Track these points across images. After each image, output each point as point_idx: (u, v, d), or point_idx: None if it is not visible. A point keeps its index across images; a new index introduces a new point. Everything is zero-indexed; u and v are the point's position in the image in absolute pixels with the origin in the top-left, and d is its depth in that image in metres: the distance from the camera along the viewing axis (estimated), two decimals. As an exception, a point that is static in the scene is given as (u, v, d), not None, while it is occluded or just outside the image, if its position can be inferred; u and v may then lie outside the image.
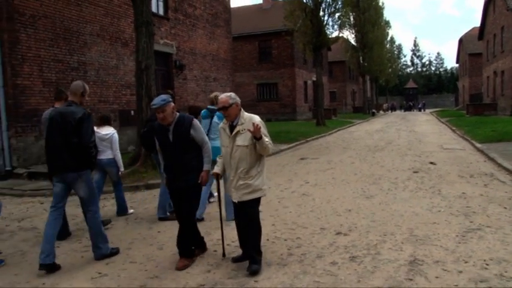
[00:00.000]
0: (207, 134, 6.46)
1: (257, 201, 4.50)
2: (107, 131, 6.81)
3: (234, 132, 4.36)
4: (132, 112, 14.84)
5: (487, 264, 4.30)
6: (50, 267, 4.58)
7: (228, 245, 5.07)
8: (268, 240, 5.36)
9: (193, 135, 4.68)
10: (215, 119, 6.59)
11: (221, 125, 4.60)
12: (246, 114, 4.46)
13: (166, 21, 18.02)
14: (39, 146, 11.70)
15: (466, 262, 4.38)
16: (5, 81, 11.46)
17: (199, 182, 4.68)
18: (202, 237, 5.09)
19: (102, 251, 4.98)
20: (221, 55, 22.42)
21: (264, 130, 4.31)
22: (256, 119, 4.38)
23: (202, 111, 6.88)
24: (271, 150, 4.38)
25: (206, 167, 4.75)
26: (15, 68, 11.60)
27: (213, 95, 6.82)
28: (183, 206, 4.71)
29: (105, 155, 6.76)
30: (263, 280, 4.14)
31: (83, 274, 4.53)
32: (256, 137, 4.16)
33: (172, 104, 4.66)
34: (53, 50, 12.70)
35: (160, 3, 17.91)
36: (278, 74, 35.20)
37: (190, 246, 4.78)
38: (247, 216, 4.45)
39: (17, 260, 5.12)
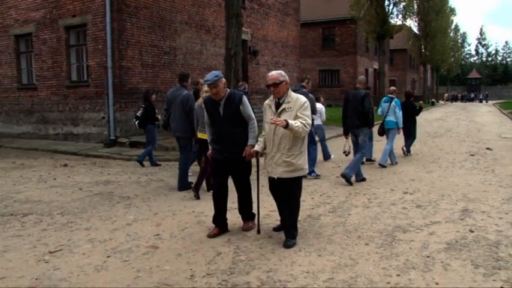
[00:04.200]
0: (386, 113, 9.45)
1: (299, 179, 4.70)
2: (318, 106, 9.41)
3: (279, 110, 4.52)
4: (212, 93, 16.59)
5: (525, 217, 5.64)
6: None
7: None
8: (350, 194, 6.97)
9: (242, 110, 4.92)
10: (393, 103, 9.63)
11: (267, 101, 4.75)
12: (293, 94, 4.62)
13: (243, 10, 19.54)
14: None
15: (506, 214, 5.74)
16: (113, 63, 13.56)
17: (243, 155, 4.90)
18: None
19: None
20: (290, 42, 23.81)
21: (306, 112, 4.48)
22: (303, 99, 4.56)
23: (384, 98, 10.18)
24: (305, 133, 4.50)
25: (251, 141, 4.95)
26: (121, 52, 13.67)
27: (391, 88, 9.93)
28: (237, 176, 5.06)
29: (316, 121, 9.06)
30: (354, 214, 5.74)
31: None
32: (283, 126, 4.31)
33: (224, 80, 4.92)
34: (150, 37, 14.67)
35: (238, -7, 19.50)
36: (340, 61, 36.18)
37: (251, 209, 5.21)
38: (287, 193, 4.66)
39: (163, 198, 6.92)
